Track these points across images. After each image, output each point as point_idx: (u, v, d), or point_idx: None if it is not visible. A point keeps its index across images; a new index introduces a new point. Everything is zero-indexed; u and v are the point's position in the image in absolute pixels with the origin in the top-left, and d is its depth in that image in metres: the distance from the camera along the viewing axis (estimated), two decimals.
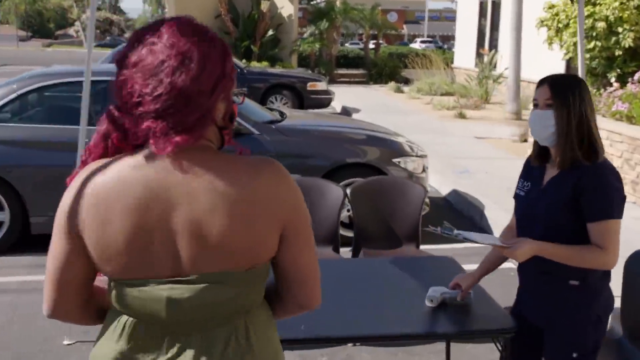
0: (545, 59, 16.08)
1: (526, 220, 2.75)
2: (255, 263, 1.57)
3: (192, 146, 1.51)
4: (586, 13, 9.01)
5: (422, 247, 4.77)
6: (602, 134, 8.55)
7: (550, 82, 2.61)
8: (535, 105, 2.66)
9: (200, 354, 1.56)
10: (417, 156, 6.80)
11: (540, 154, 2.75)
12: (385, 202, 4.82)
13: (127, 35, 62.71)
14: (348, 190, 4.76)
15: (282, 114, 7.56)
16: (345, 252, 4.78)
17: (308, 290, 1.70)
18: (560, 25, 9.48)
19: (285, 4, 22.83)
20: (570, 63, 11.19)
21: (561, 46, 9.72)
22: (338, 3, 24.78)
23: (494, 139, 12.07)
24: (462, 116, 14.97)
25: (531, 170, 2.80)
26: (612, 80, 9.34)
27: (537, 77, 10.54)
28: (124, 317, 1.59)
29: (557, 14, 9.57)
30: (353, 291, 3.28)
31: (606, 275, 2.66)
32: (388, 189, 4.87)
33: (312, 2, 29.77)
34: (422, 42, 50.18)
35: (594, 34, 8.96)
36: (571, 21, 9.33)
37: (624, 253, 2.90)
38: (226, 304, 1.57)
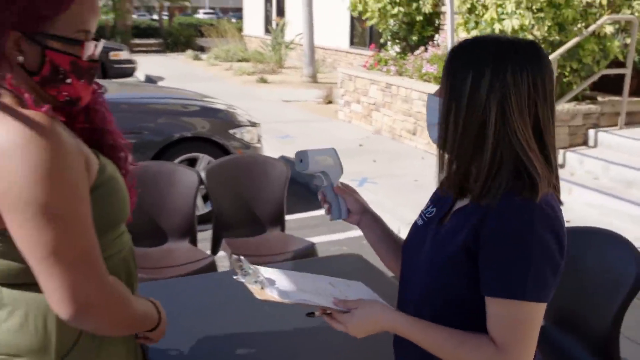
0: (334, 26, 15.70)
1: (407, 271, 1.49)
2: None
3: None
4: None
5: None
6: (414, 95, 8.33)
7: (452, 50, 1.35)
8: None
9: None
10: (251, 125, 5.78)
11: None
12: (246, 184, 3.79)
13: None
14: (203, 174, 3.66)
15: (98, 85, 6.10)
16: (205, 244, 3.73)
17: (42, 283, 1.20)
18: None
19: None
20: (373, 29, 10.67)
21: (365, 12, 9.10)
22: None
23: (300, 102, 11.36)
24: (263, 81, 14.15)
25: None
26: (412, 43, 8.95)
27: (328, 43, 9.83)
28: None
29: None
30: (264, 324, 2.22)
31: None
32: (248, 170, 3.83)
33: None
34: (205, 13, 48.67)
35: (398, 0, 8.42)
36: None
37: None
38: None
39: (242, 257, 1.43)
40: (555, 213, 1.27)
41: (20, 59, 1.25)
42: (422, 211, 1.53)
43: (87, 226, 1.22)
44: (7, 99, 1.24)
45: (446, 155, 1.34)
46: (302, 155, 1.62)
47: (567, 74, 6.64)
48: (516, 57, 1.26)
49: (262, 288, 1.35)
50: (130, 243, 1.49)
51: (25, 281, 1.25)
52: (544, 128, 1.29)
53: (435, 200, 1.51)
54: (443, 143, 1.33)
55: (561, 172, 5.87)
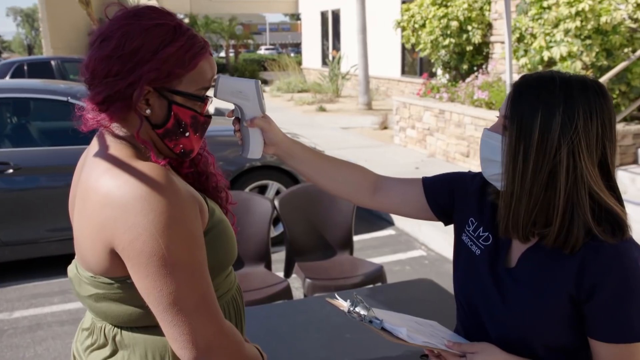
0: (386, 57, 15.64)
1: (476, 317, 1.34)
2: (95, 272, 1.18)
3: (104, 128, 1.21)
4: (440, 14, 8.36)
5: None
6: (467, 120, 8.19)
7: (517, 86, 1.19)
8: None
9: None
10: None
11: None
12: (316, 211, 3.74)
13: (5, 55, 57.36)
14: (276, 202, 3.62)
15: None
16: (277, 265, 3.68)
17: (165, 330, 1.13)
18: (417, 26, 8.74)
19: None
20: (422, 59, 10.57)
21: (417, 44, 9.00)
22: (200, 17, 23.23)
23: (357, 128, 11.29)
24: (322, 110, 14.15)
25: (488, 207, 1.35)
26: (463, 72, 8.79)
27: (381, 73, 9.71)
28: None
29: (413, 16, 8.82)
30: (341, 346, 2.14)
31: None
32: (317, 197, 3.77)
33: None
34: (266, 49, 49.29)
35: (449, 32, 8.31)
36: (427, 21, 8.62)
37: None
38: (85, 301, 1.24)
39: (359, 297, 1.30)
40: None
41: (148, 112, 1.20)
42: (468, 229, 1.37)
43: (204, 272, 1.16)
44: (121, 150, 1.18)
45: (513, 199, 1.19)
46: (217, 79, 1.38)
47: (616, 96, 6.38)
48: (586, 99, 1.14)
49: (382, 328, 1.23)
50: (237, 281, 1.42)
51: (144, 324, 1.21)
52: (610, 165, 1.18)
53: (479, 217, 1.36)
54: (511, 186, 1.19)
55: None
